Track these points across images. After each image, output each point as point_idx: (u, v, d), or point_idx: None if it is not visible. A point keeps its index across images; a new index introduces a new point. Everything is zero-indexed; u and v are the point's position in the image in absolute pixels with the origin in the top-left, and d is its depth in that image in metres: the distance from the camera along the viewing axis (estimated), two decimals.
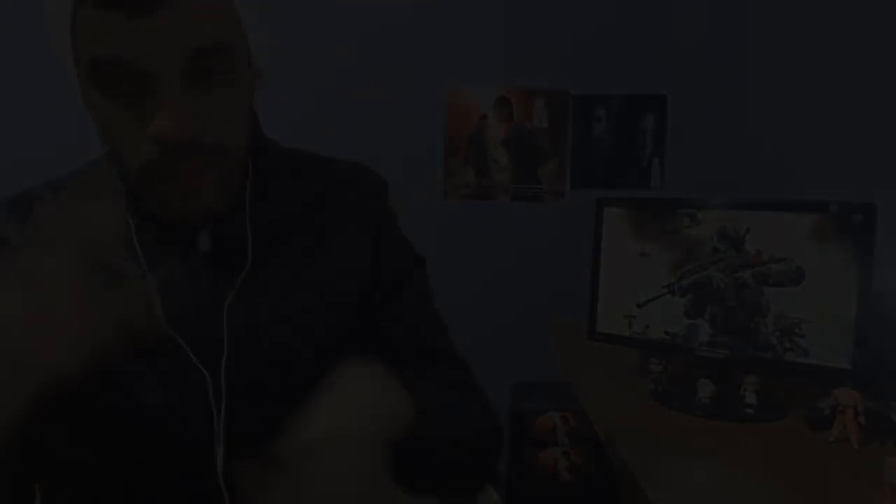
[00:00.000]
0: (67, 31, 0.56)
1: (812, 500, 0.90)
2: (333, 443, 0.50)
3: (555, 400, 1.90)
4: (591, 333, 1.40)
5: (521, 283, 2.18)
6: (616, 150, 2.20)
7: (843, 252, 1.09)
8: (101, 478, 0.65)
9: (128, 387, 0.63)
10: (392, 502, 0.56)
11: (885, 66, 1.47)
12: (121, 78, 0.55)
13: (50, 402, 0.57)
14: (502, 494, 1.72)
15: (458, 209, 2.16)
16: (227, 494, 0.64)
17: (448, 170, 2.17)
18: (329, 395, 0.54)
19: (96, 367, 0.50)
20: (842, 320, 1.09)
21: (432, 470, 0.65)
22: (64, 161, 0.75)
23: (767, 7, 2.02)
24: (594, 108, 2.19)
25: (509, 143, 2.18)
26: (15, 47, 1.94)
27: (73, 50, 0.57)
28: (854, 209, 1.09)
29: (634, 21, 2.14)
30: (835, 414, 1.08)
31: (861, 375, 1.09)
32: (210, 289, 0.66)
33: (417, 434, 0.59)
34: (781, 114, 1.94)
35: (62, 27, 0.56)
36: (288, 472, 0.49)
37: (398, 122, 2.12)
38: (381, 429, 0.55)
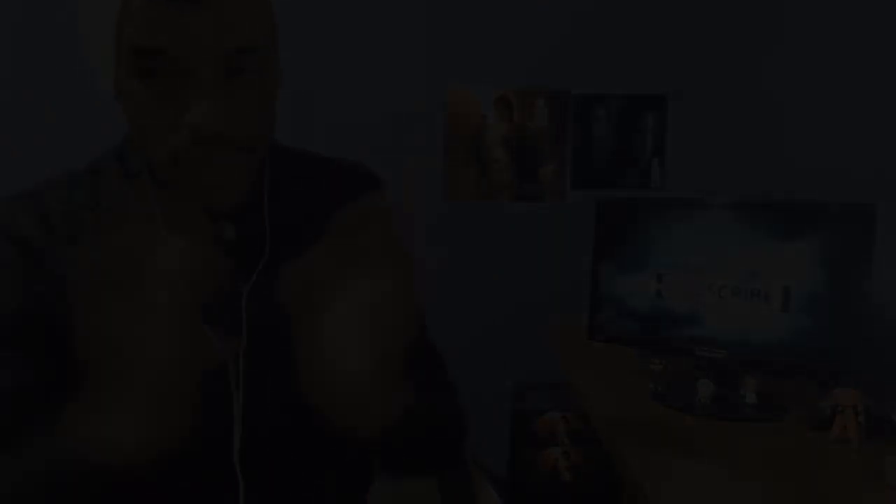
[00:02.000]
0: (104, 19, 0.58)
1: (812, 500, 0.90)
2: None
3: (555, 400, 1.90)
4: (591, 333, 1.40)
5: (521, 283, 2.18)
6: (616, 150, 2.19)
7: (843, 252, 1.09)
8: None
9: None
10: None
11: (886, 67, 1.47)
12: (161, 69, 0.58)
13: None
14: (502, 494, 1.72)
15: (458, 209, 2.16)
16: (243, 478, 0.65)
17: (448, 170, 2.17)
18: None
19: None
20: (841, 319, 1.09)
21: (411, 458, 0.73)
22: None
23: (767, 7, 2.02)
24: (594, 108, 2.18)
25: (509, 143, 2.18)
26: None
27: (116, 37, 0.58)
28: (854, 209, 1.09)
29: (634, 21, 2.14)
30: (835, 414, 1.08)
31: (861, 375, 1.09)
32: (231, 277, 0.67)
33: (405, 432, 0.62)
34: (782, 114, 1.95)
35: (100, 15, 0.58)
36: None
37: (398, 122, 2.12)
38: None
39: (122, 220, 0.66)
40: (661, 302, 1.30)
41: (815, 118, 1.75)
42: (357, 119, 2.09)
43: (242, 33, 0.59)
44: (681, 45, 2.13)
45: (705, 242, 1.24)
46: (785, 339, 1.16)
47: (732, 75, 2.10)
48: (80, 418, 0.54)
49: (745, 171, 2.02)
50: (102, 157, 0.72)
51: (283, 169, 0.75)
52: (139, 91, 0.59)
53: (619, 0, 2.14)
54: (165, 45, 0.57)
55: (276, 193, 0.73)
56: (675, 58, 2.13)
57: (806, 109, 1.81)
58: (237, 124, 0.61)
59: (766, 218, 1.17)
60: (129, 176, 0.69)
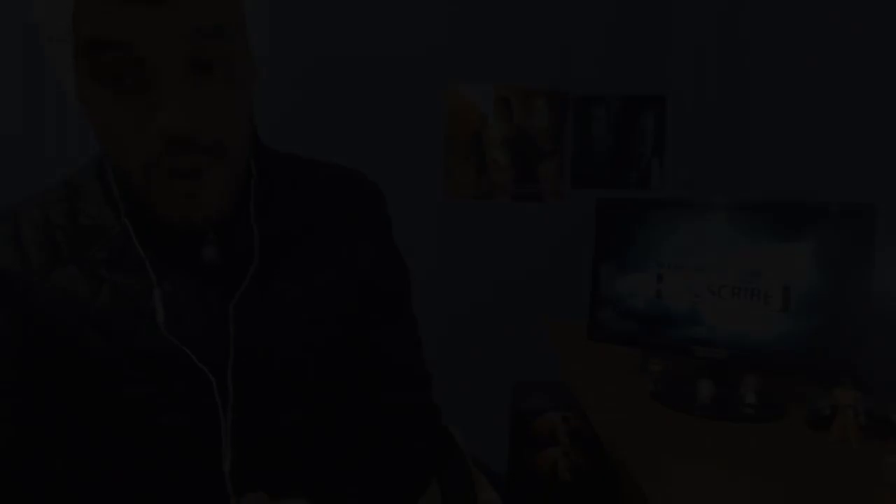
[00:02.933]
0: (61, 19, 0.54)
1: (812, 500, 0.90)
2: None
3: (555, 400, 1.89)
4: (591, 333, 1.40)
5: (521, 283, 2.18)
6: (616, 150, 2.19)
7: (843, 252, 1.09)
8: (107, 476, 0.65)
9: (132, 393, 0.62)
10: None
11: (886, 67, 1.47)
12: (122, 68, 0.54)
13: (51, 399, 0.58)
14: (502, 494, 1.72)
15: (458, 209, 2.16)
16: (234, 494, 0.64)
17: (448, 170, 2.17)
18: None
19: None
20: (841, 319, 1.09)
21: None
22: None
23: (767, 7, 2.02)
24: (594, 108, 2.18)
25: (509, 143, 2.18)
26: None
27: (73, 37, 0.54)
28: (854, 209, 1.09)
29: (634, 21, 2.14)
30: (835, 414, 1.08)
31: (861, 375, 1.09)
32: (215, 294, 0.66)
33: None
34: (781, 114, 1.94)
35: (56, 14, 0.54)
36: None
37: (398, 122, 2.12)
38: None
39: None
40: (661, 302, 1.30)
41: (815, 118, 1.75)
42: (357, 119, 2.09)
43: (206, 18, 0.55)
44: (680, 45, 2.13)
45: (705, 242, 1.24)
46: (785, 338, 1.16)
47: (732, 75, 2.10)
48: None
49: (744, 171, 2.02)
50: (80, 169, 0.69)
51: (273, 176, 0.72)
52: (102, 96, 0.55)
53: (619, 1, 2.14)
54: (124, 36, 0.52)
55: (266, 203, 0.69)
56: (674, 58, 2.13)
57: (806, 109, 1.81)
58: (210, 124, 0.57)
59: (765, 218, 1.17)
60: (107, 191, 0.65)
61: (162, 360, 0.62)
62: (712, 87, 2.12)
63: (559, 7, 2.14)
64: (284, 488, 0.67)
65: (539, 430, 1.85)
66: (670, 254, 1.28)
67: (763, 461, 1.01)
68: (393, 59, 2.13)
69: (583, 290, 1.41)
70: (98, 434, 0.64)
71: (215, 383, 0.64)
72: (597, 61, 2.15)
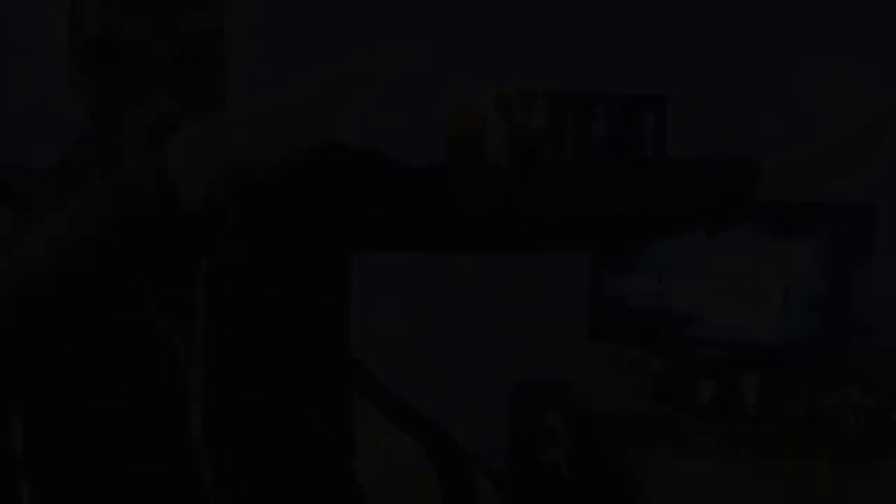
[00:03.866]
0: (59, 10, 0.58)
1: (812, 500, 0.90)
2: None
3: (555, 400, 1.90)
4: (591, 333, 1.40)
5: (521, 284, 2.18)
6: (616, 150, 2.19)
7: (843, 252, 1.09)
8: (77, 444, 0.66)
9: (101, 358, 0.63)
10: None
11: (885, 66, 1.47)
12: (115, 62, 0.57)
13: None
14: (503, 494, 1.72)
15: None
16: (208, 455, 0.65)
17: None
18: None
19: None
20: (841, 319, 1.09)
21: None
22: None
23: (767, 7, 2.02)
24: (594, 108, 2.18)
25: (509, 143, 2.18)
26: None
27: (70, 30, 0.58)
28: (854, 209, 1.09)
29: (634, 21, 2.14)
30: (835, 414, 1.08)
31: (861, 375, 1.09)
32: (191, 258, 0.67)
33: None
34: (781, 114, 1.94)
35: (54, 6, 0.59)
36: None
37: (398, 122, 2.12)
38: None
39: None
40: (661, 302, 1.30)
41: (814, 119, 1.75)
42: (357, 119, 2.08)
43: (199, 18, 0.58)
44: (681, 45, 2.13)
45: (705, 242, 1.24)
46: (785, 338, 1.16)
47: (732, 75, 2.10)
48: None
49: None
50: (72, 149, 0.70)
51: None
52: (91, 85, 0.58)
53: (619, 0, 2.14)
54: (117, 34, 0.55)
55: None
56: (674, 58, 2.14)
57: (806, 109, 1.81)
58: (192, 113, 0.60)
59: (765, 218, 1.17)
60: (96, 166, 0.67)
61: (133, 326, 0.64)
62: (712, 87, 2.12)
63: (559, 7, 2.14)
64: (260, 456, 0.67)
65: (539, 430, 1.85)
66: (670, 254, 1.28)
67: (763, 461, 1.01)
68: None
69: (583, 290, 1.41)
70: (64, 391, 0.64)
71: (183, 349, 0.65)
72: (597, 61, 2.16)
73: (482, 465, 1.90)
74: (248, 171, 0.47)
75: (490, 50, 2.14)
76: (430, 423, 0.99)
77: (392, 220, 0.78)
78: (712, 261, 1.23)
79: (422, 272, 2.03)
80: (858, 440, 1.05)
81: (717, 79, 2.12)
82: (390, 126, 2.11)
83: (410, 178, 0.80)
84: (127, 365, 0.63)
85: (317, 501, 0.73)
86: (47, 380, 0.64)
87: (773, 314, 1.17)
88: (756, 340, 1.19)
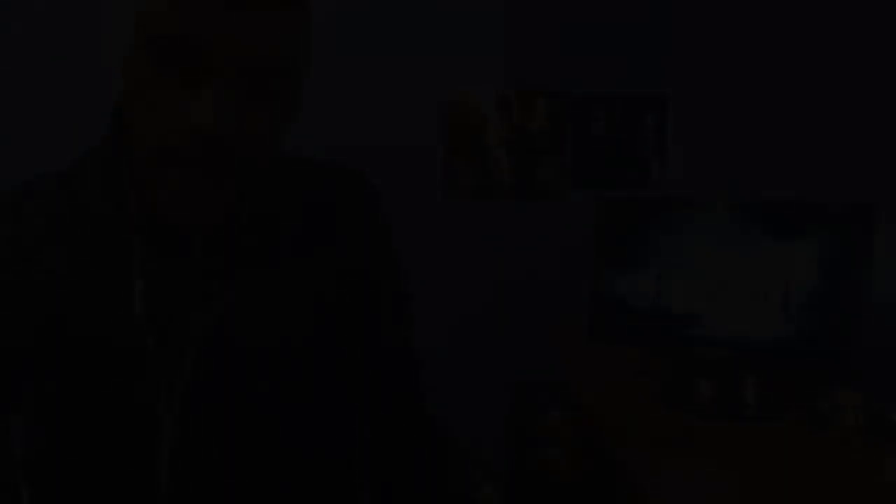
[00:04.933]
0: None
1: (812, 500, 0.90)
2: None
3: (555, 400, 1.90)
4: (591, 333, 1.40)
5: (521, 283, 2.18)
6: (616, 150, 2.20)
7: (843, 252, 1.09)
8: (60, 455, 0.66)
9: (96, 380, 0.63)
10: None
11: (885, 67, 1.47)
12: (183, 61, 0.55)
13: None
14: (503, 494, 1.72)
15: (458, 209, 2.16)
16: (168, 487, 0.64)
17: (448, 170, 2.17)
18: None
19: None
20: (841, 319, 1.09)
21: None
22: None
23: (767, 7, 2.02)
24: (594, 108, 2.19)
25: (509, 143, 2.18)
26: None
27: (137, 17, 0.56)
28: (854, 209, 1.09)
29: (634, 21, 2.14)
30: (835, 414, 1.08)
31: (861, 375, 1.09)
32: (195, 289, 0.65)
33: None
34: (781, 114, 1.95)
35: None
36: None
37: (398, 121, 2.12)
38: None
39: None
40: (661, 302, 1.30)
41: (815, 118, 1.75)
42: (357, 119, 2.09)
43: (280, 50, 0.56)
44: (681, 45, 2.13)
45: (705, 242, 1.24)
46: (785, 338, 1.16)
47: (733, 75, 2.10)
48: None
49: (745, 171, 2.02)
50: (81, 159, 0.69)
51: (272, 175, 0.71)
52: (151, 78, 0.56)
53: (618, 1, 2.14)
54: (195, 34, 0.54)
55: (261, 201, 0.69)
56: (675, 58, 2.14)
57: (806, 110, 1.81)
58: (246, 140, 0.58)
59: (766, 218, 1.17)
60: (107, 181, 0.65)
61: (133, 352, 0.63)
62: (713, 87, 2.12)
63: (559, 7, 2.14)
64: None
65: (539, 430, 1.85)
66: (670, 254, 1.28)
67: (763, 461, 1.01)
68: (393, 60, 2.13)
69: (583, 290, 1.41)
70: (58, 411, 0.64)
71: (164, 374, 0.64)
72: (597, 61, 2.16)
73: (482, 465, 1.90)
74: None
75: (490, 50, 2.14)
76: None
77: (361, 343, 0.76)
78: (712, 261, 1.23)
79: (422, 272, 2.03)
80: (858, 440, 1.05)
81: (717, 79, 2.12)
82: (390, 126, 2.11)
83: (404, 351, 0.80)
84: (120, 391, 0.63)
85: None
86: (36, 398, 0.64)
87: (773, 314, 1.17)
88: (756, 340, 1.19)
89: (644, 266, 1.31)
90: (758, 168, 1.99)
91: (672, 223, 1.27)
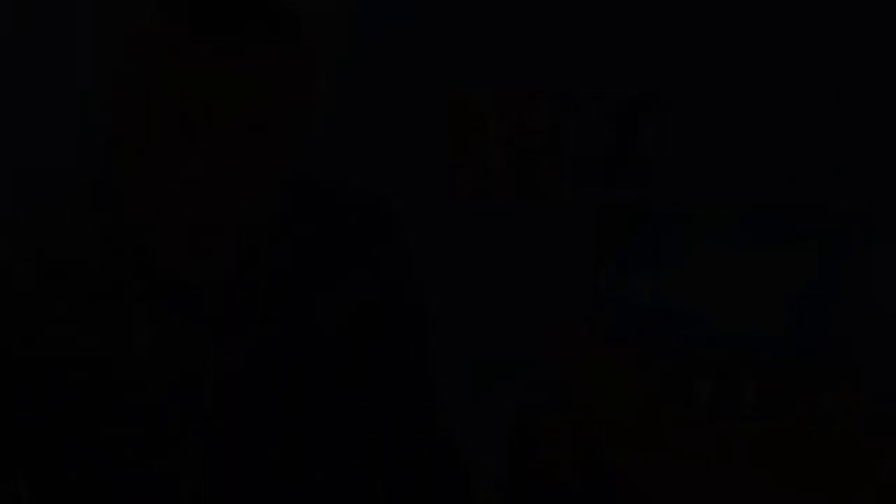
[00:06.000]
0: (112, 43, 0.51)
1: (812, 500, 0.90)
2: None
3: (555, 400, 1.90)
4: (592, 333, 1.40)
5: (521, 284, 2.18)
6: (616, 150, 2.20)
7: (843, 252, 1.09)
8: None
9: (104, 433, 0.61)
10: None
11: (885, 68, 1.48)
12: (175, 109, 0.50)
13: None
14: (502, 495, 1.72)
15: (458, 209, 2.16)
16: None
17: (448, 170, 2.17)
18: None
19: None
20: (841, 320, 1.09)
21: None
22: None
23: (768, 7, 2.03)
24: (594, 108, 2.19)
25: (509, 143, 2.18)
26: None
27: (124, 60, 0.51)
28: (854, 210, 1.09)
29: (635, 21, 2.14)
30: (835, 414, 1.08)
31: (861, 375, 1.09)
32: (206, 343, 0.63)
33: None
34: (782, 115, 1.95)
35: (109, 37, 0.51)
36: None
37: (398, 121, 2.12)
38: None
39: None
40: (661, 302, 1.30)
41: (815, 120, 1.75)
42: (356, 119, 2.09)
43: (278, 90, 0.51)
44: (682, 46, 2.13)
45: (705, 243, 1.24)
46: (785, 338, 1.16)
47: (733, 76, 2.10)
48: None
49: (745, 172, 2.02)
50: (73, 198, 0.63)
51: (290, 208, 0.67)
52: (133, 129, 0.51)
53: (618, 0, 2.14)
54: (179, 82, 0.48)
55: (278, 238, 0.64)
56: (675, 59, 2.14)
57: (806, 111, 1.81)
58: (243, 189, 0.53)
59: (766, 218, 1.17)
60: (106, 228, 0.61)
61: (140, 405, 0.61)
62: (713, 88, 2.13)
63: (559, 7, 2.14)
64: None
65: (540, 430, 1.85)
66: (670, 254, 1.28)
67: (763, 460, 1.01)
68: (393, 60, 2.13)
69: (583, 291, 1.41)
70: (69, 468, 0.63)
71: (179, 418, 0.62)
72: (597, 61, 2.16)
73: (482, 466, 1.90)
74: None
75: (490, 50, 2.14)
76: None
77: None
78: (712, 261, 1.23)
79: (421, 272, 2.03)
80: (858, 440, 1.05)
81: (718, 79, 2.12)
82: (390, 126, 2.11)
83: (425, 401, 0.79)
84: (135, 442, 0.61)
85: None
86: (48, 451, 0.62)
87: (772, 314, 1.17)
88: (756, 340, 1.19)
89: (644, 266, 1.31)
90: (758, 169, 1.99)
91: (672, 223, 1.27)
